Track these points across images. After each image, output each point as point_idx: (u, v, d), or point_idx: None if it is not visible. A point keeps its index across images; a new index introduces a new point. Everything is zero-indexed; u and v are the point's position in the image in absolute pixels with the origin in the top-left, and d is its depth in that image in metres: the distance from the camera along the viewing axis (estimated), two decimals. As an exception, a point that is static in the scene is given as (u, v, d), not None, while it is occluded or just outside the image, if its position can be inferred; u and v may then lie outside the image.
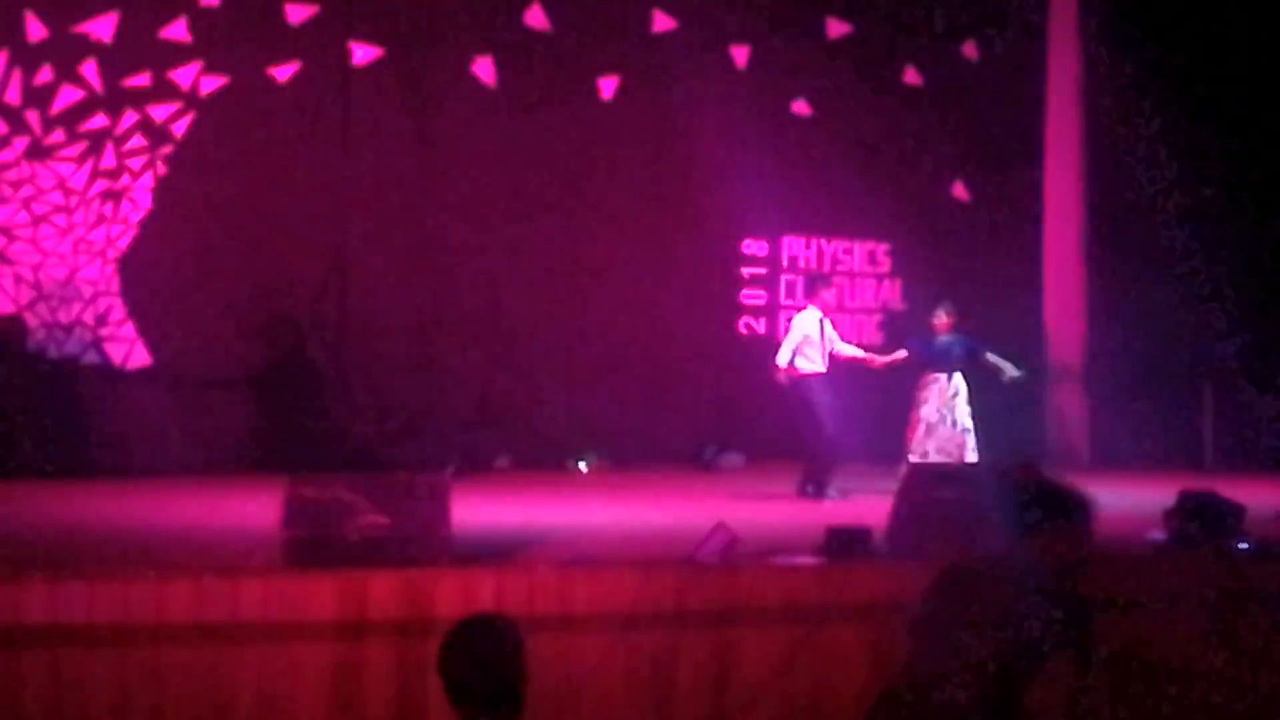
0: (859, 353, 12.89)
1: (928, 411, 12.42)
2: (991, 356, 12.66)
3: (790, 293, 15.23)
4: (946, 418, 12.38)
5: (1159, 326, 15.60)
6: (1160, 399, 15.37)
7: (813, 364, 12.00)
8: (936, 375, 12.46)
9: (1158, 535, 8.94)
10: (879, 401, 13.75)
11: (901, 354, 12.81)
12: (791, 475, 12.06)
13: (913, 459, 12.09)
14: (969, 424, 12.37)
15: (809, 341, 12.04)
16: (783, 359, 12.06)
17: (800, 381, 12.01)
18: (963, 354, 12.52)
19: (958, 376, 12.46)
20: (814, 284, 13.12)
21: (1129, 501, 11.27)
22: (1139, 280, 15.79)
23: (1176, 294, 15.58)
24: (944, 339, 12.49)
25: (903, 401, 12.77)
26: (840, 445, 11.90)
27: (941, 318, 12.51)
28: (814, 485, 11.83)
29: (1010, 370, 12.66)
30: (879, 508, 9.09)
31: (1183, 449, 15.20)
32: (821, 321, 12.12)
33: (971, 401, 12.45)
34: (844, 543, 8.16)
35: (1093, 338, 16.22)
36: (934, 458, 12.16)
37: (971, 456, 12.21)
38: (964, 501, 8.35)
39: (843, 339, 12.89)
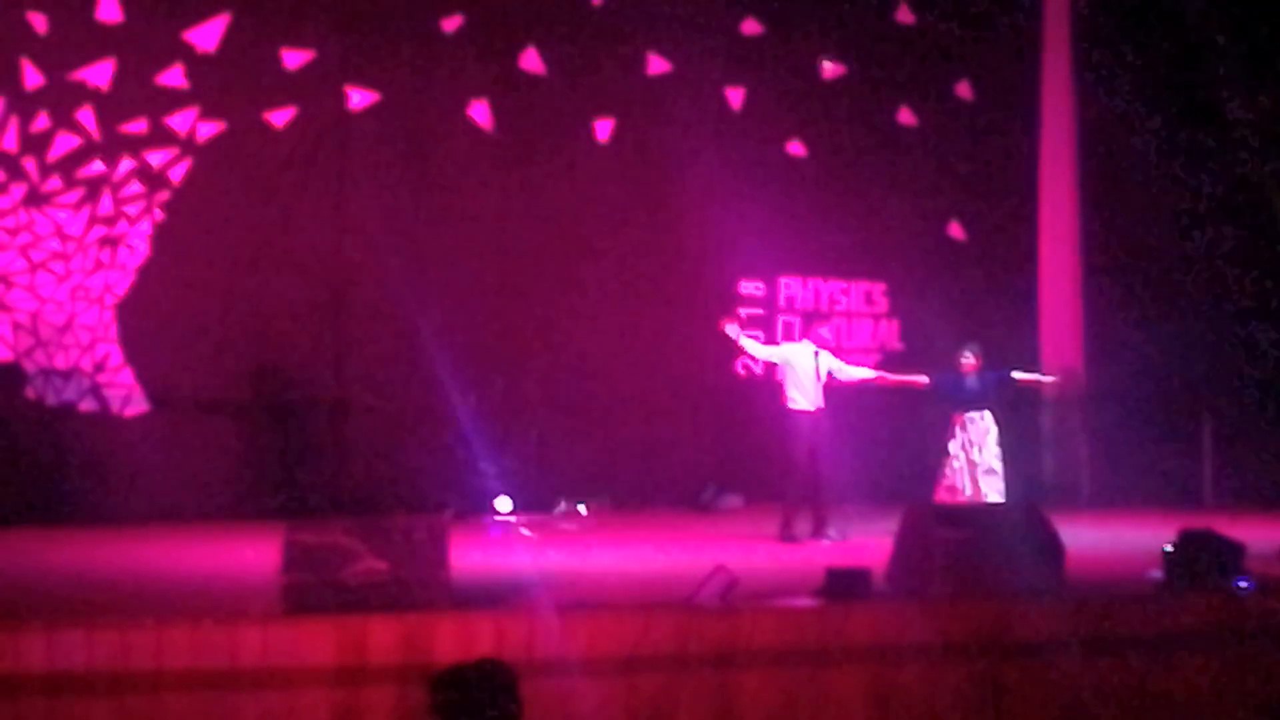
0: (869, 373, 12.86)
1: (962, 452, 12.37)
2: (1019, 374, 12.80)
3: (788, 333, 15.20)
4: (979, 457, 12.33)
5: (1157, 365, 15.59)
6: (1159, 437, 15.34)
7: (801, 402, 11.94)
8: (971, 415, 12.42)
9: (1157, 574, 8.91)
10: (885, 441, 13.74)
11: (922, 379, 12.79)
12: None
13: (944, 498, 12.10)
14: (997, 465, 12.36)
15: (795, 377, 11.97)
16: (748, 343, 12.19)
17: (788, 417, 11.96)
18: (995, 391, 12.54)
19: (989, 415, 12.45)
20: (810, 320, 13.40)
21: (1128, 540, 11.30)
22: (1137, 318, 15.80)
23: (1175, 332, 15.58)
24: (973, 379, 12.49)
25: (909, 442, 12.72)
26: (815, 487, 11.85)
27: (969, 359, 12.50)
28: (783, 526, 11.74)
29: (1043, 378, 13.18)
30: (880, 548, 9.08)
31: (1182, 487, 15.16)
32: (816, 355, 12.06)
33: (1001, 441, 12.46)
34: (844, 584, 8.14)
35: (1091, 376, 16.20)
36: (968, 496, 12.16)
37: (997, 497, 12.20)
38: (965, 541, 8.35)
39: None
